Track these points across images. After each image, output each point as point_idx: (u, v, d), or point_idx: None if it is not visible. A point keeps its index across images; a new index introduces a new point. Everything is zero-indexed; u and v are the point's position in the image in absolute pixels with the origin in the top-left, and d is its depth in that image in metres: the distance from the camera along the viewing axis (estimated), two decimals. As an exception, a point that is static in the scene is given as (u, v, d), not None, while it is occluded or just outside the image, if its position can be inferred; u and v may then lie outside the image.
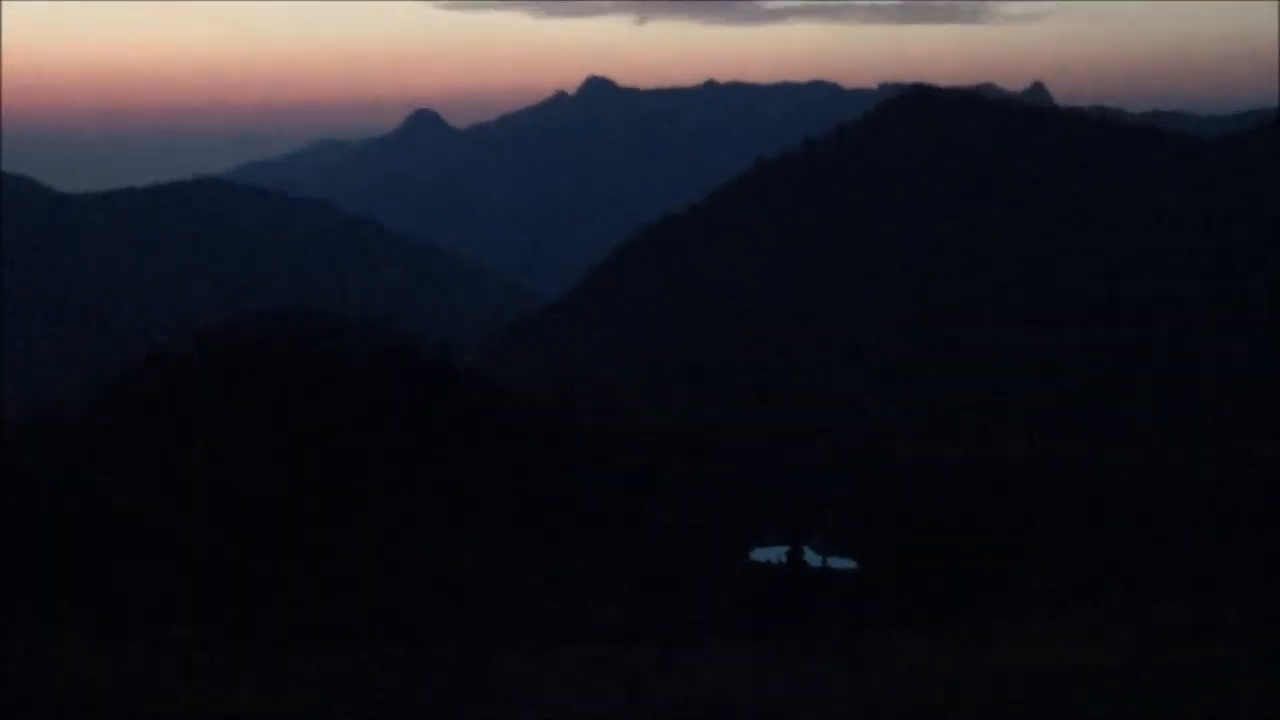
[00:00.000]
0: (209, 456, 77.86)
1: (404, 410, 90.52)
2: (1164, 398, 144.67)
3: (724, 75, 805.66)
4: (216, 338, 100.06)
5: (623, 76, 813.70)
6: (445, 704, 29.03)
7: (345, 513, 74.24)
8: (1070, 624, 39.35)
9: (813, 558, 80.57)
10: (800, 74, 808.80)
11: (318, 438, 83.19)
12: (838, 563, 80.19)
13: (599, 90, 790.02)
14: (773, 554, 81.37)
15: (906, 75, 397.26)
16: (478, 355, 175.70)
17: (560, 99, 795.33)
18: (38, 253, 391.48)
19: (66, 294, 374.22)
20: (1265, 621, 36.25)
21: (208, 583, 53.24)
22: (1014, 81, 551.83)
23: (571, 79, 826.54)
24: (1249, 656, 31.23)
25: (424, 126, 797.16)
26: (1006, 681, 30.60)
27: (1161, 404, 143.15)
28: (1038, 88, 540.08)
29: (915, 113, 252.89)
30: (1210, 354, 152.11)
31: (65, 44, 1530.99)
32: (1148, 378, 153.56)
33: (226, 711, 27.38)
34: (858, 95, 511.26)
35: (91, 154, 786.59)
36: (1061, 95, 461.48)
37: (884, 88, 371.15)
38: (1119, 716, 26.48)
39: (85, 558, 55.27)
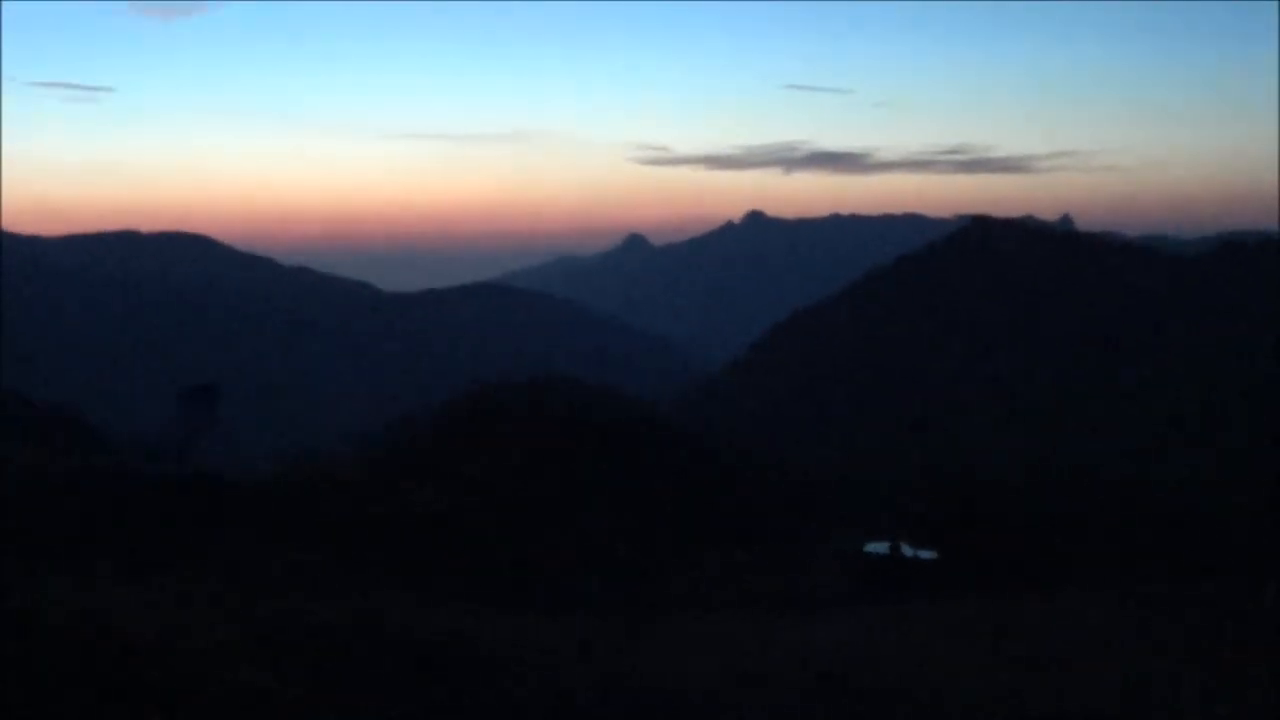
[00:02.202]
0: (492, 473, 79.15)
1: (623, 442, 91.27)
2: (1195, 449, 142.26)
3: (845, 210, 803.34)
4: (500, 391, 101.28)
5: (773, 210, 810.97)
6: (665, 649, 30.03)
7: (578, 513, 75.19)
8: (1089, 599, 39.59)
9: (907, 550, 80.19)
10: (899, 208, 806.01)
11: (571, 459, 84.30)
12: (924, 554, 79.84)
13: (756, 220, 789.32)
14: (878, 547, 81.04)
15: (973, 208, 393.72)
16: (672, 407, 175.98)
17: (729, 226, 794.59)
18: (377, 335, 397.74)
19: (388, 365, 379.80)
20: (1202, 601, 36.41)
21: (499, 563, 54.30)
22: (1049, 213, 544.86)
23: (737, 212, 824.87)
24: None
25: (634, 246, 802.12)
26: (1030, 638, 31.15)
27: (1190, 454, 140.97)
28: (1066, 218, 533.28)
29: (980, 236, 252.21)
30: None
31: (390, 185, 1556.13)
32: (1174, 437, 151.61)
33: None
34: (939, 223, 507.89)
35: (402, 263, 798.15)
36: (1082, 223, 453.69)
37: (958, 218, 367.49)
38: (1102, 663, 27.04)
39: (404, 547, 56.62)
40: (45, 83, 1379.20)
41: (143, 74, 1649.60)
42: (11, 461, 62.41)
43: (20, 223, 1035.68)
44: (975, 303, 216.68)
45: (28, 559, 36.23)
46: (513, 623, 33.48)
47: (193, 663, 21.94)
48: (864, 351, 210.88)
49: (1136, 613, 34.65)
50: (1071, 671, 26.97)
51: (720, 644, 31.35)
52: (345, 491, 69.51)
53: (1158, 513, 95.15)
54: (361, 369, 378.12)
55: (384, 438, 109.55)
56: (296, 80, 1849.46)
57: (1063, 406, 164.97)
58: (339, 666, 23.58)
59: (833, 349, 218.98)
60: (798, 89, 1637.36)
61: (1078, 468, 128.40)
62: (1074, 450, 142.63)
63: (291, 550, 49.34)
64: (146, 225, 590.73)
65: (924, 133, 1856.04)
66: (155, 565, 40.57)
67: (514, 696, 22.89)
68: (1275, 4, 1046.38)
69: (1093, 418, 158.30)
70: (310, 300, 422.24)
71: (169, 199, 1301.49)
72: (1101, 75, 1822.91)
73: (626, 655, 28.56)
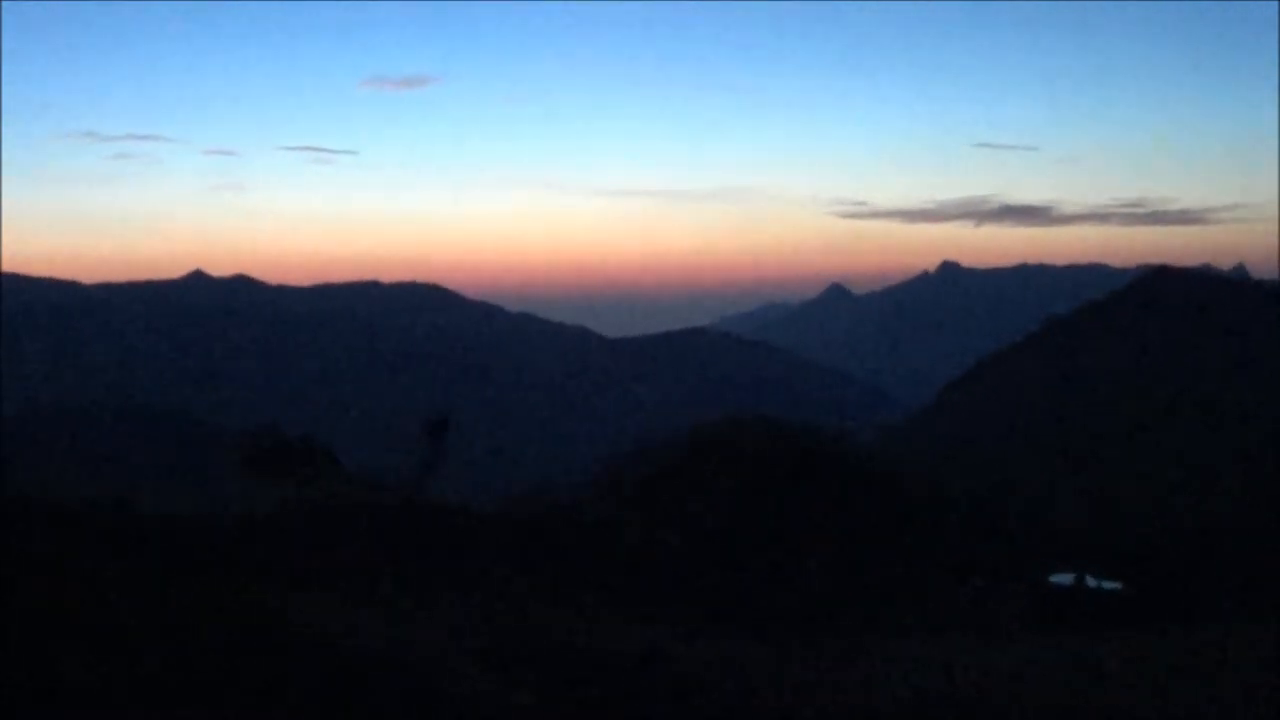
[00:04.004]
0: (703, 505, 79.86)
1: (827, 477, 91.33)
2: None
3: (1032, 259, 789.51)
4: (713, 429, 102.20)
5: (965, 260, 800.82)
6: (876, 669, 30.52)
7: (779, 541, 75.61)
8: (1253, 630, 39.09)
9: (1091, 581, 79.25)
10: (1082, 258, 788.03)
11: (780, 493, 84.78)
12: (1108, 585, 78.86)
13: (950, 270, 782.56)
14: (1064, 578, 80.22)
15: (1153, 258, 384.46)
16: (873, 446, 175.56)
17: (924, 275, 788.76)
18: (595, 376, 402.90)
19: (600, 407, 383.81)
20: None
21: (712, 587, 55.00)
22: (1225, 262, 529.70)
23: (931, 262, 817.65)
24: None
25: (836, 294, 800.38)
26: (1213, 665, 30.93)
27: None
28: (1240, 267, 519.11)
29: (1160, 283, 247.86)
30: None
31: (608, 238, 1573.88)
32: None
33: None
34: (1121, 272, 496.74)
35: (619, 311, 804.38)
36: (1256, 272, 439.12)
37: (1139, 267, 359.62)
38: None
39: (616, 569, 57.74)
40: (295, 147, 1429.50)
41: (382, 138, 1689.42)
42: (265, 492, 64.89)
43: (272, 273, 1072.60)
44: (1154, 348, 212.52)
45: (291, 584, 37.92)
46: (715, 644, 34.21)
47: (440, 673, 23.10)
48: (1049, 394, 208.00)
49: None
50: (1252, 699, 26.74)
51: (908, 667, 31.71)
52: (569, 522, 70.93)
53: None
54: (582, 407, 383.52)
55: (605, 473, 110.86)
56: (518, 143, 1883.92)
57: (1238, 449, 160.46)
58: (561, 680, 24.56)
59: (1020, 392, 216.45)
60: (986, 146, 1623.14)
61: (1258, 513, 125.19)
62: (1256, 496, 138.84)
63: (520, 575, 50.70)
64: (386, 275, 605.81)
65: (1105, 187, 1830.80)
66: (398, 588, 42.10)
67: (707, 712, 23.57)
68: None
69: (1263, 458, 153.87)
70: (534, 344, 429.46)
71: (406, 251, 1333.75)
72: (1273, 131, 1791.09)
73: (817, 676, 29.10)
